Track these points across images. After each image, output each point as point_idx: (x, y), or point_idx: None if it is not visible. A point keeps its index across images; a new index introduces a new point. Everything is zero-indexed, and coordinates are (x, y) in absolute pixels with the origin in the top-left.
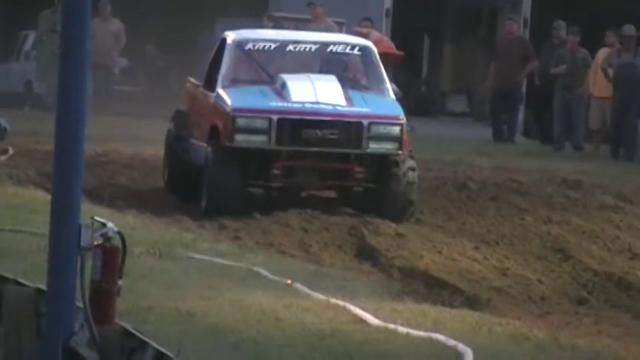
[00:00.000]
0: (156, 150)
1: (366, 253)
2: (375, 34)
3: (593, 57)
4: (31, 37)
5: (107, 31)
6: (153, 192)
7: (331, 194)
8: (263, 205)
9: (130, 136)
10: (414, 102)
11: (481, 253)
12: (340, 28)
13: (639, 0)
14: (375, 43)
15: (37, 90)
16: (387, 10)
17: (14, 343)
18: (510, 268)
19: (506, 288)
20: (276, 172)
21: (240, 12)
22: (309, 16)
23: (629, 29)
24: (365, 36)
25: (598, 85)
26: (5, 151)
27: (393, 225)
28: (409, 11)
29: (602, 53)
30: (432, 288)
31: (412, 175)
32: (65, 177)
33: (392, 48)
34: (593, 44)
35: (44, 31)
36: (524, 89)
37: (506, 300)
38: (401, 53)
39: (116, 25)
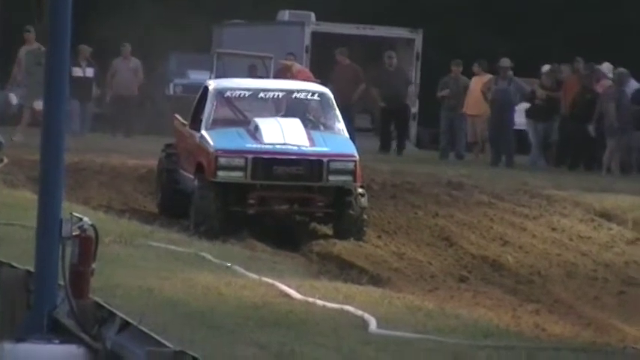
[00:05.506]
0: (122, 160)
1: (289, 242)
2: (297, 65)
3: None
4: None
5: (128, 68)
6: (119, 193)
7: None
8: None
9: (101, 148)
10: None
11: (382, 241)
12: (269, 61)
13: (510, 37)
14: (298, 73)
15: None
16: (307, 46)
17: (9, 314)
18: (406, 252)
19: (403, 268)
20: (251, 201)
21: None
22: (247, 52)
23: (504, 62)
24: (289, 67)
25: (470, 106)
26: (1, 161)
27: (313, 223)
28: (323, 47)
29: (475, 80)
30: (343, 269)
31: (363, 201)
32: (49, 181)
33: (311, 77)
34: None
35: (32, 64)
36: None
37: (402, 278)
38: (318, 81)
39: (134, 63)
